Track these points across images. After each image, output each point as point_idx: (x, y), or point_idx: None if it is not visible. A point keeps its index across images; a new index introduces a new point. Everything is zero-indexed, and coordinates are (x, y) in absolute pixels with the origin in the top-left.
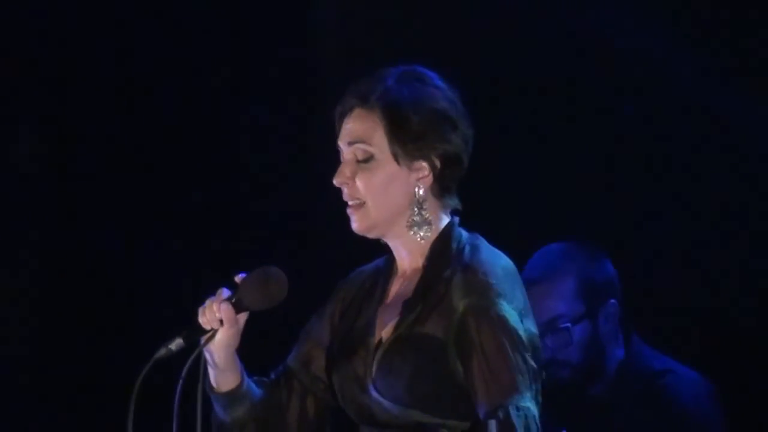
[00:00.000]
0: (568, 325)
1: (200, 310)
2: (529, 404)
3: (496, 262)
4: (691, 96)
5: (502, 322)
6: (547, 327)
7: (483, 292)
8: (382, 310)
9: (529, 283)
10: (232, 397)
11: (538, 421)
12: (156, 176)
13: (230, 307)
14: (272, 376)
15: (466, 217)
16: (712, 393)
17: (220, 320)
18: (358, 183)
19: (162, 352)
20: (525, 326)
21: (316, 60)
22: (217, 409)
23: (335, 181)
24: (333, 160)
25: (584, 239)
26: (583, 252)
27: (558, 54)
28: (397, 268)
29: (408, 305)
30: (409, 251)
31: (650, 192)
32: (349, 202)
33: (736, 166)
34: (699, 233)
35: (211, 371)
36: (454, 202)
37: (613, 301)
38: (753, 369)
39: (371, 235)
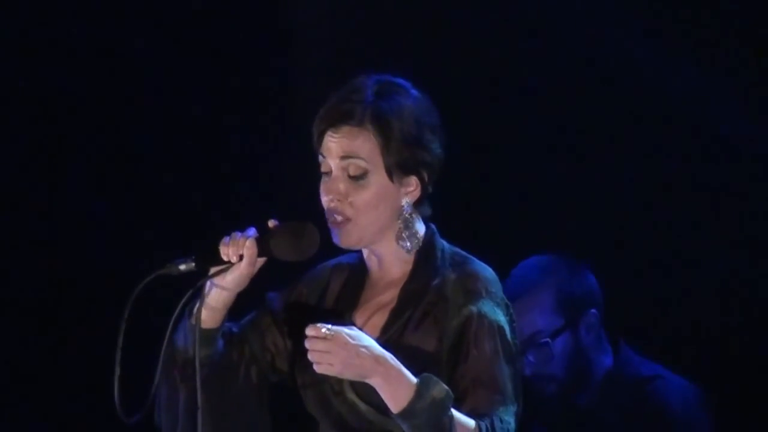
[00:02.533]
0: (548, 340)
1: (224, 240)
2: (511, 419)
3: (488, 273)
4: (683, 104)
5: (501, 333)
6: (529, 342)
7: (485, 300)
8: (357, 316)
9: (508, 299)
10: (207, 335)
11: None
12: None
13: (256, 245)
14: (233, 329)
15: (451, 228)
16: (701, 399)
17: (240, 255)
18: (351, 200)
19: (168, 268)
20: (515, 340)
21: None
22: (184, 340)
23: (326, 198)
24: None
25: (565, 250)
26: (560, 264)
27: (539, 58)
28: (369, 276)
29: (396, 311)
30: (391, 261)
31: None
32: (336, 220)
33: (730, 174)
34: (691, 242)
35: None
36: (427, 210)
37: (593, 311)
38: (742, 377)
39: (356, 248)
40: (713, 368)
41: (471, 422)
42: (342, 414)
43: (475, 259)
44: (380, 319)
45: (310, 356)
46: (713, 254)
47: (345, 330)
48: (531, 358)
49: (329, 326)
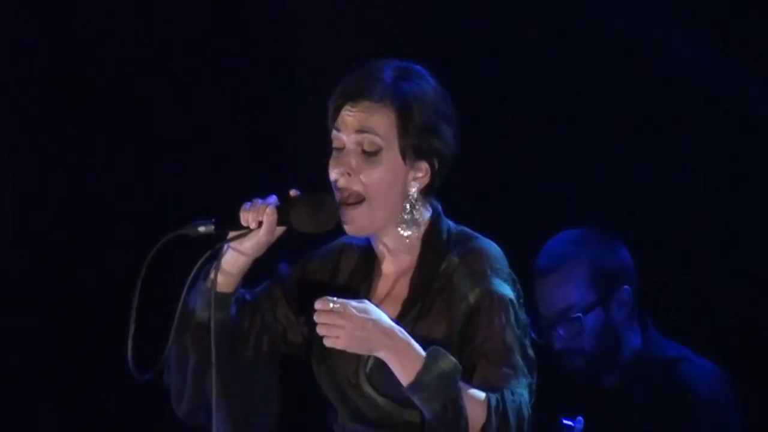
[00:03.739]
0: (579, 315)
1: (245, 205)
2: (524, 391)
3: (493, 249)
4: (708, 90)
5: (511, 308)
6: (560, 316)
7: (491, 279)
8: None
9: (541, 272)
10: (221, 299)
11: (530, 409)
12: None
13: (276, 213)
14: (246, 297)
15: (470, 213)
16: (727, 382)
17: (259, 222)
18: (362, 176)
19: (188, 229)
20: (524, 315)
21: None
22: (196, 302)
23: (336, 170)
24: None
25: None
26: (595, 238)
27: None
28: (379, 268)
29: (408, 303)
30: (394, 249)
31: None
32: (347, 200)
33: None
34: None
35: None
36: (434, 201)
37: (626, 287)
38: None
39: (363, 235)
40: (739, 352)
41: (481, 394)
42: (359, 406)
43: (478, 236)
44: (393, 311)
45: (318, 329)
46: (742, 239)
47: (353, 303)
48: (561, 332)
49: (336, 299)
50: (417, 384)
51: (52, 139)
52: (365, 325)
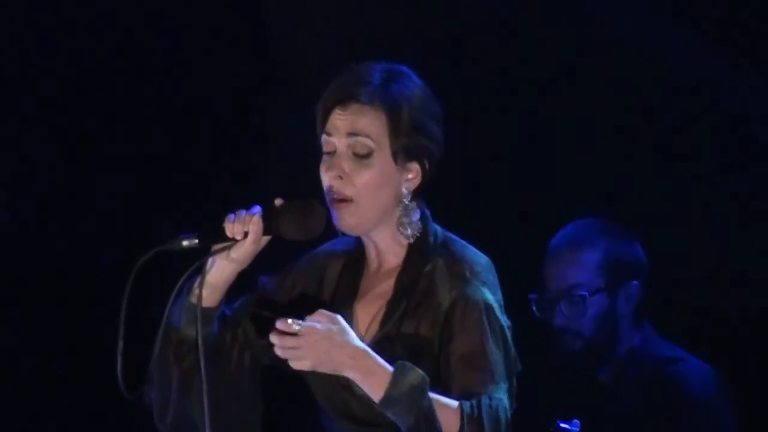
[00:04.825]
0: (585, 294)
1: (229, 216)
2: (503, 396)
3: (477, 255)
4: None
5: (489, 311)
6: (565, 293)
7: (469, 281)
8: (359, 308)
9: (555, 250)
10: (205, 315)
11: (509, 414)
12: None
13: (262, 222)
14: (227, 312)
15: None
16: (721, 384)
17: (245, 233)
18: (355, 179)
19: (171, 243)
20: (506, 320)
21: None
22: (178, 318)
23: (328, 174)
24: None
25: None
26: (614, 230)
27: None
28: (368, 265)
29: (392, 303)
30: (387, 249)
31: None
32: (335, 197)
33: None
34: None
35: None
36: (422, 203)
37: (636, 282)
38: (763, 361)
39: (355, 233)
40: (732, 353)
41: (454, 403)
42: (351, 406)
43: (464, 242)
44: (379, 311)
45: (281, 352)
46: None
47: (317, 325)
48: (564, 308)
49: (300, 321)
50: (387, 400)
51: (43, 148)
52: (328, 350)
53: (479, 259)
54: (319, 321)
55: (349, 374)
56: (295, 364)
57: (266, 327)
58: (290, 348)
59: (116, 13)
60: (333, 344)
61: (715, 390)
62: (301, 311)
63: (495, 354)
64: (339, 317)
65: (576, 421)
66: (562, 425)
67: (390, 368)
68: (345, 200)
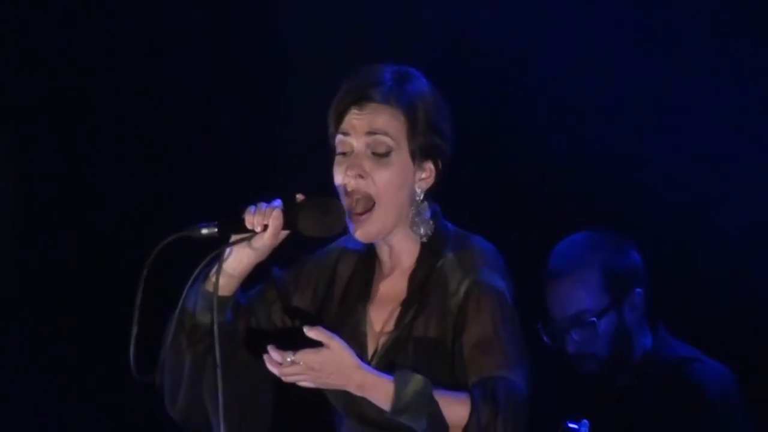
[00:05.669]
0: (594, 319)
1: (249, 208)
2: (518, 379)
3: (488, 247)
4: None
5: (501, 298)
6: (573, 321)
7: (480, 269)
8: (372, 309)
9: (553, 276)
10: (220, 303)
11: (525, 399)
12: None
13: (282, 216)
14: (241, 300)
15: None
16: (736, 384)
17: (264, 225)
18: (375, 178)
19: (191, 230)
20: (515, 305)
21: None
22: (193, 304)
23: (348, 173)
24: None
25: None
26: (607, 242)
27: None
28: (380, 266)
29: (406, 303)
30: (402, 250)
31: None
32: (356, 208)
33: None
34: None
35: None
36: (433, 203)
37: (638, 290)
38: None
39: (374, 241)
40: (749, 353)
41: (461, 395)
42: (364, 408)
43: (474, 235)
44: (393, 313)
45: (283, 378)
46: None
47: (309, 355)
48: (575, 336)
49: (292, 353)
50: (396, 410)
51: (57, 140)
52: (327, 376)
53: (488, 247)
54: (315, 348)
55: (353, 392)
56: (301, 384)
57: (282, 316)
58: (290, 375)
59: (122, 6)
60: (331, 370)
61: (731, 389)
62: (309, 316)
63: (509, 338)
64: (336, 339)
65: (585, 421)
66: (571, 425)
67: (390, 379)
68: (367, 210)
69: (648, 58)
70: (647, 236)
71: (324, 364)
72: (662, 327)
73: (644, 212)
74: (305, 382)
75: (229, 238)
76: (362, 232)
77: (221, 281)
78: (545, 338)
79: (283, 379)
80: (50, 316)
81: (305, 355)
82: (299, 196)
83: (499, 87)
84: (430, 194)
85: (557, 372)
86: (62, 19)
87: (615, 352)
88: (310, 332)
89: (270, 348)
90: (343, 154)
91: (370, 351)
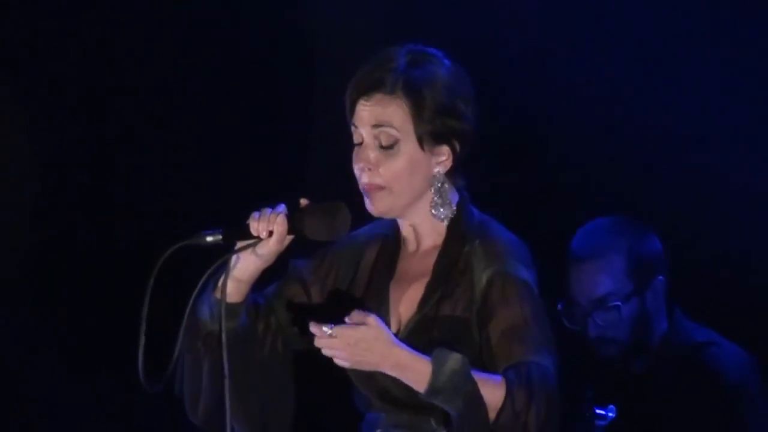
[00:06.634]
0: (618, 303)
1: (254, 214)
2: (547, 362)
3: (513, 238)
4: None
5: (527, 288)
6: (597, 305)
7: (505, 260)
8: (394, 288)
9: (576, 260)
10: (231, 310)
11: (556, 385)
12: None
13: (287, 222)
14: (259, 300)
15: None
16: (755, 366)
17: (270, 232)
18: (382, 170)
19: (195, 239)
20: (540, 295)
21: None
22: (207, 313)
23: (357, 165)
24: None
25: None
26: (631, 228)
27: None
28: (405, 245)
29: (431, 284)
30: (425, 231)
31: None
32: (367, 182)
33: None
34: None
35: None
36: (460, 181)
37: (661, 277)
38: None
39: (388, 216)
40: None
41: (496, 378)
42: (387, 386)
43: (498, 224)
44: (417, 293)
45: (323, 350)
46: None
47: (348, 329)
48: (599, 320)
49: (331, 326)
50: (432, 389)
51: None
52: (363, 353)
53: (511, 238)
54: (353, 322)
55: (388, 370)
56: (338, 362)
57: (300, 314)
58: (327, 347)
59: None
60: (367, 346)
61: (750, 373)
62: (335, 301)
63: (538, 326)
64: (373, 316)
65: (611, 406)
66: (598, 411)
67: (428, 359)
68: (376, 187)
69: (662, 48)
70: (663, 223)
71: (360, 339)
72: (679, 311)
73: (659, 200)
74: (341, 360)
75: (234, 245)
76: (375, 208)
77: (229, 288)
78: (565, 321)
79: (323, 352)
80: (53, 303)
81: (343, 330)
82: (303, 201)
83: (528, 74)
84: (455, 175)
85: (576, 357)
86: (84, 17)
87: (635, 336)
88: (349, 318)
89: (311, 323)
90: (357, 144)
91: (393, 330)
